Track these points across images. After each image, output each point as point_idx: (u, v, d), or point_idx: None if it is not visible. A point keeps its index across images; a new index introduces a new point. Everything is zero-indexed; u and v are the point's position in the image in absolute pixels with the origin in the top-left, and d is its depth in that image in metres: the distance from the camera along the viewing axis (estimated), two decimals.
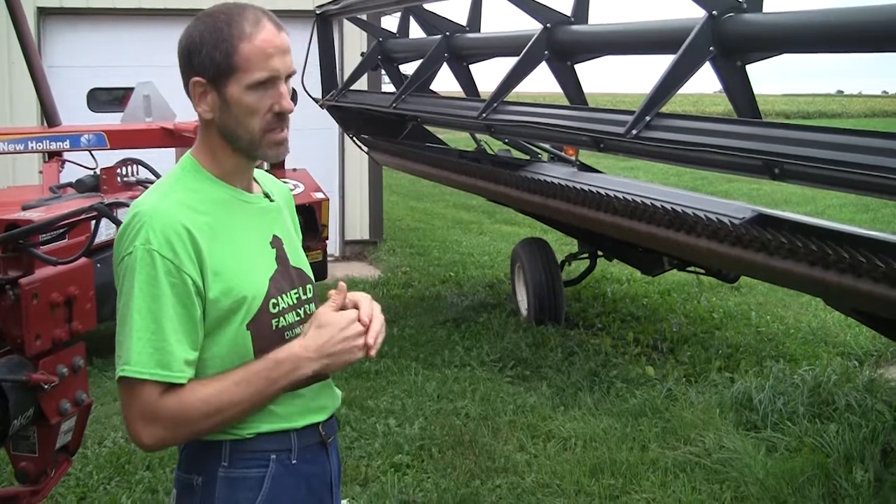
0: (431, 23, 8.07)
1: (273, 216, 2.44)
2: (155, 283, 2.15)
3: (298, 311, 2.39)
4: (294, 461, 2.35)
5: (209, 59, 2.22)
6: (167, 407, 2.15)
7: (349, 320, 2.25)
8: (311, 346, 2.22)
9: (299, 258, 2.47)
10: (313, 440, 2.41)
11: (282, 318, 2.33)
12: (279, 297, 2.33)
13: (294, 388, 2.28)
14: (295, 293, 2.40)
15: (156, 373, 2.14)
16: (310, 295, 2.47)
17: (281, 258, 2.39)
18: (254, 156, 2.31)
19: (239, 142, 2.28)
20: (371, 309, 2.30)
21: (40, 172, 6.75)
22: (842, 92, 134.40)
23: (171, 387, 2.16)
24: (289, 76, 2.28)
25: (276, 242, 2.40)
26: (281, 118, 2.26)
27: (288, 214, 2.55)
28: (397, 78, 9.13)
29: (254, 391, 2.21)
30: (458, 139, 11.11)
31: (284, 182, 2.75)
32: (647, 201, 5.31)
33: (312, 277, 2.51)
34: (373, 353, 2.26)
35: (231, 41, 2.20)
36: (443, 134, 10.54)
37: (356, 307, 2.30)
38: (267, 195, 2.46)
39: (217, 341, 2.24)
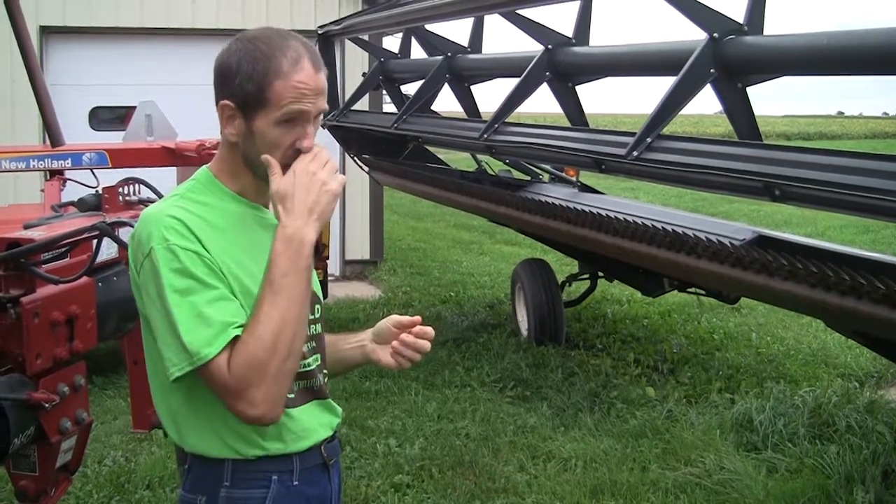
0: (433, 43, 8.10)
1: None
2: (184, 276, 2.14)
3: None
4: (296, 483, 2.35)
5: (241, 87, 2.22)
6: (237, 370, 2.10)
7: (309, 172, 2.21)
8: (292, 216, 2.17)
9: None
10: (315, 462, 2.41)
11: None
12: None
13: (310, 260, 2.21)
14: None
15: (208, 351, 2.10)
16: (316, 315, 2.47)
17: None
18: (267, 182, 2.28)
19: (258, 170, 2.28)
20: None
21: (42, 191, 6.73)
22: (842, 113, 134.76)
23: (227, 352, 2.11)
24: (318, 115, 2.28)
25: None
26: (300, 153, 2.25)
27: None
28: (399, 98, 9.16)
29: (285, 294, 2.14)
30: (460, 160, 11.13)
31: None
32: (648, 222, 5.32)
33: (321, 297, 2.51)
34: (334, 186, 2.24)
35: (267, 76, 2.20)
36: (444, 154, 10.56)
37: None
38: None
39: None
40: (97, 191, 5.27)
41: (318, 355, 2.46)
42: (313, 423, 2.40)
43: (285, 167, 2.24)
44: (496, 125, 6.24)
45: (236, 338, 2.12)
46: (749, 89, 4.67)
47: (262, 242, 2.32)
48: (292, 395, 2.33)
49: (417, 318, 2.60)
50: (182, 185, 2.37)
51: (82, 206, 4.92)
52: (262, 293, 2.15)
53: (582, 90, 6.22)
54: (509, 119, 6.29)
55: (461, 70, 7.65)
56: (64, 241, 3.69)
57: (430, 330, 2.60)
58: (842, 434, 6.20)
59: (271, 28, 2.29)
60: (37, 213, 5.15)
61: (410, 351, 2.57)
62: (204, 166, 2.39)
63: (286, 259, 2.15)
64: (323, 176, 2.21)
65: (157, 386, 2.34)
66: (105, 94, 12.10)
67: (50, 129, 6.61)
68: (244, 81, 2.21)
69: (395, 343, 2.58)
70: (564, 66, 6.10)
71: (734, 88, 4.66)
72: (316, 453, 2.41)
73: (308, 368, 2.39)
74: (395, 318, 2.62)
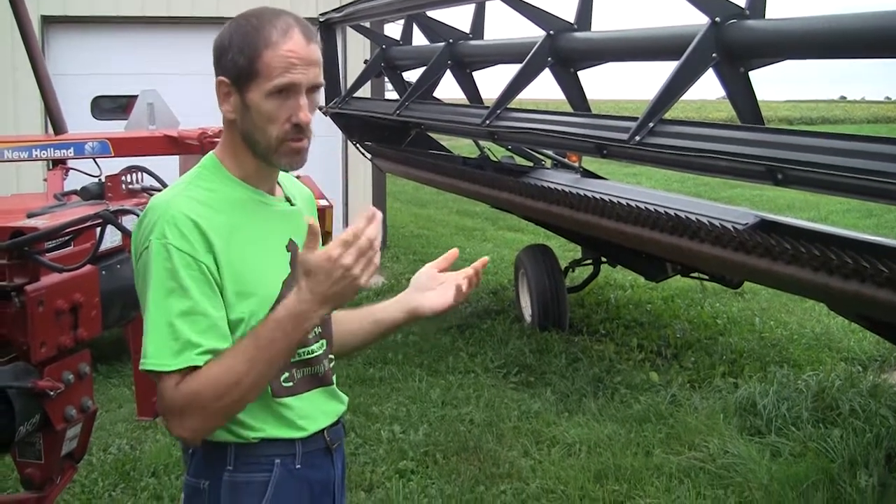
0: (435, 30, 8.08)
1: (292, 220, 2.42)
2: (174, 277, 2.15)
3: None
4: (298, 466, 2.35)
5: (233, 62, 2.23)
6: (183, 394, 2.12)
7: (333, 259, 2.09)
8: (308, 297, 2.12)
9: None
10: (318, 446, 2.41)
11: None
12: None
13: (305, 336, 2.21)
14: None
15: (168, 362, 2.12)
16: None
17: (295, 262, 2.38)
18: (269, 162, 2.29)
19: (257, 147, 2.28)
20: (354, 231, 2.13)
21: (44, 180, 6.74)
22: (845, 98, 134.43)
23: (185, 374, 2.13)
24: (313, 88, 2.26)
25: (292, 247, 2.37)
26: (299, 129, 2.24)
27: None
28: (401, 85, 9.14)
29: (264, 357, 2.14)
30: (462, 146, 11.12)
31: None
32: (651, 207, 5.32)
33: None
34: (363, 281, 2.13)
35: (256, 47, 2.21)
36: (446, 141, 10.54)
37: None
38: (289, 199, 2.45)
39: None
40: (100, 179, 5.28)
41: (324, 341, 2.45)
42: (316, 412, 2.40)
43: (282, 141, 2.24)
44: (498, 111, 6.24)
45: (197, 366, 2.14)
46: (751, 74, 4.66)
47: (267, 230, 2.33)
48: (292, 384, 2.34)
49: (454, 250, 2.67)
50: (190, 172, 2.37)
51: (85, 194, 4.92)
52: (245, 341, 2.16)
53: (584, 76, 6.21)
54: (511, 105, 6.28)
55: (463, 56, 7.64)
56: (67, 230, 3.70)
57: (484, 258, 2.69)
58: (845, 418, 6.21)
59: (267, 7, 2.30)
60: (40, 203, 5.15)
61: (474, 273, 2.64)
62: (210, 152, 2.39)
63: (282, 329, 2.14)
64: (356, 271, 2.11)
65: None
66: (107, 83, 12.11)
67: (53, 117, 6.63)
68: (236, 55, 2.23)
69: (466, 270, 2.64)
70: (566, 51, 6.09)
71: (736, 73, 4.64)
72: (319, 438, 2.41)
73: (313, 355, 2.39)
74: (430, 263, 2.67)
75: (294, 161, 2.29)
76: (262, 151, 2.28)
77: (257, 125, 2.25)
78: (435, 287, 2.64)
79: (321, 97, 2.32)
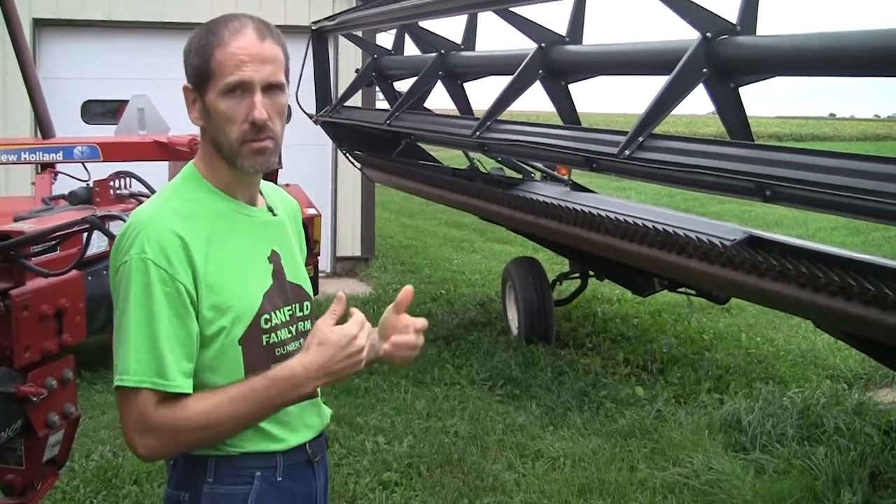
0: (426, 40, 8.09)
1: (274, 230, 2.42)
2: (150, 293, 2.14)
3: (291, 327, 2.38)
4: (279, 479, 2.34)
5: (191, 65, 2.24)
6: (162, 417, 2.13)
7: (350, 336, 2.18)
8: (313, 366, 2.16)
9: (298, 274, 2.45)
10: (300, 459, 2.40)
11: (273, 335, 2.32)
12: (272, 313, 2.32)
13: (292, 404, 2.26)
14: (289, 310, 2.38)
15: (154, 380, 2.13)
16: (306, 312, 2.45)
17: (277, 273, 2.37)
18: (235, 165, 2.27)
19: (222, 149, 2.26)
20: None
21: (33, 184, 6.73)
22: (834, 115, 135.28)
23: (166, 397, 2.14)
24: (270, 86, 2.23)
25: (275, 258, 2.38)
26: (258, 128, 2.22)
27: (292, 229, 2.53)
28: (391, 95, 9.15)
29: (250, 409, 2.18)
30: (452, 157, 11.12)
31: None
32: (639, 222, 5.32)
33: (311, 294, 2.49)
34: (363, 365, 2.24)
35: (209, 48, 2.21)
36: (436, 151, 10.54)
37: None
38: (271, 209, 2.44)
39: (208, 354, 2.23)
40: (88, 184, 5.27)
41: None
42: (298, 425, 2.39)
43: (242, 142, 2.22)
44: (488, 123, 6.24)
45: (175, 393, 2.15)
46: (741, 90, 4.68)
47: (247, 242, 2.33)
48: None
49: (408, 288, 2.48)
50: (171, 183, 2.37)
51: (73, 199, 4.92)
52: (237, 389, 2.18)
53: (575, 89, 6.22)
54: (502, 117, 6.29)
55: (454, 67, 7.65)
56: (54, 235, 3.68)
57: (419, 321, 2.51)
58: (830, 435, 6.21)
59: (235, 13, 2.29)
60: (27, 206, 5.14)
61: (405, 350, 2.48)
62: (189, 162, 2.38)
63: (277, 387, 2.17)
64: (360, 357, 2.21)
65: None
66: (98, 87, 12.09)
67: (41, 121, 6.61)
68: (193, 58, 2.24)
69: (391, 341, 2.46)
70: (557, 64, 6.10)
71: (726, 88, 4.66)
72: (301, 450, 2.40)
73: None
74: (389, 307, 2.53)
75: (258, 162, 2.26)
76: (227, 154, 2.26)
77: (218, 127, 2.24)
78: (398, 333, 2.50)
79: (285, 97, 2.28)
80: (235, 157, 2.25)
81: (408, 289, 2.45)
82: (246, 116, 2.21)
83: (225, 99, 2.20)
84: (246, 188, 2.36)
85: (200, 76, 2.23)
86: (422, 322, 2.51)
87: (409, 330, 2.47)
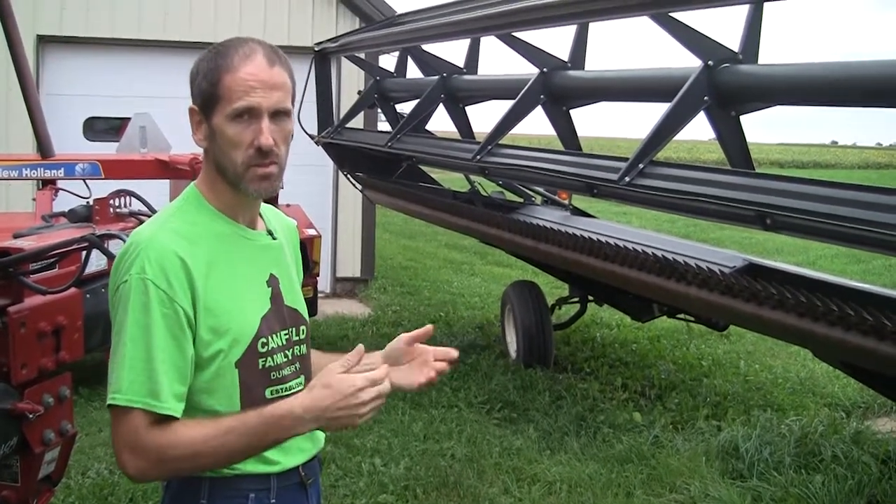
0: (429, 63, 8.11)
1: (273, 254, 2.42)
2: (148, 312, 2.14)
3: (287, 351, 2.37)
4: (273, 500, 2.34)
5: (199, 88, 2.25)
6: (151, 439, 2.13)
7: (355, 388, 2.13)
8: (313, 409, 2.13)
9: (295, 298, 2.45)
10: (293, 481, 2.39)
11: (269, 358, 2.31)
12: (269, 337, 2.31)
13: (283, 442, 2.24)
14: (285, 334, 2.38)
15: (146, 402, 2.12)
16: (302, 336, 2.45)
17: (275, 297, 2.37)
18: (239, 189, 2.28)
19: (226, 173, 2.27)
20: (383, 375, 2.19)
21: (33, 200, 6.73)
22: (836, 143, 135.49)
23: (159, 419, 2.14)
24: (278, 113, 2.24)
25: (273, 281, 2.38)
26: (263, 154, 2.22)
27: (290, 252, 2.53)
28: (393, 117, 9.17)
29: (244, 443, 2.16)
30: (453, 180, 11.14)
31: None
32: (639, 248, 5.33)
33: (307, 318, 2.49)
34: (361, 420, 2.16)
35: (218, 71, 2.21)
36: (437, 174, 10.56)
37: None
38: (270, 232, 2.44)
39: (204, 376, 2.23)
40: (88, 202, 5.27)
41: (303, 377, 2.43)
42: (292, 448, 2.36)
43: (248, 167, 2.23)
44: (490, 147, 6.26)
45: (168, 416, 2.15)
46: (742, 117, 4.69)
47: (246, 266, 2.33)
48: None
49: (429, 327, 2.55)
50: (173, 204, 2.37)
51: (73, 216, 4.91)
52: (228, 419, 2.18)
53: (577, 113, 6.24)
54: (503, 141, 6.30)
55: (456, 90, 7.67)
56: (53, 252, 3.69)
57: (452, 353, 2.59)
58: (827, 464, 6.19)
59: (242, 36, 2.31)
60: (28, 222, 5.14)
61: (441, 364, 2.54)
62: (192, 183, 2.39)
63: (270, 425, 2.15)
64: (363, 409, 2.15)
65: None
66: (100, 104, 12.12)
67: (40, 139, 6.60)
68: (201, 81, 2.24)
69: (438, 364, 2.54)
70: (559, 89, 6.12)
71: (727, 116, 4.67)
72: (294, 473, 2.39)
73: (291, 392, 2.35)
74: (404, 335, 2.55)
75: (262, 188, 2.27)
76: (231, 178, 2.27)
77: (223, 151, 2.24)
78: (406, 363, 2.54)
79: (291, 123, 2.30)
80: (240, 181, 2.25)
81: (429, 327, 2.51)
82: (252, 141, 2.22)
83: (232, 123, 2.21)
84: (247, 211, 2.36)
85: (208, 99, 2.23)
86: (454, 353, 2.60)
87: (426, 358, 2.55)
